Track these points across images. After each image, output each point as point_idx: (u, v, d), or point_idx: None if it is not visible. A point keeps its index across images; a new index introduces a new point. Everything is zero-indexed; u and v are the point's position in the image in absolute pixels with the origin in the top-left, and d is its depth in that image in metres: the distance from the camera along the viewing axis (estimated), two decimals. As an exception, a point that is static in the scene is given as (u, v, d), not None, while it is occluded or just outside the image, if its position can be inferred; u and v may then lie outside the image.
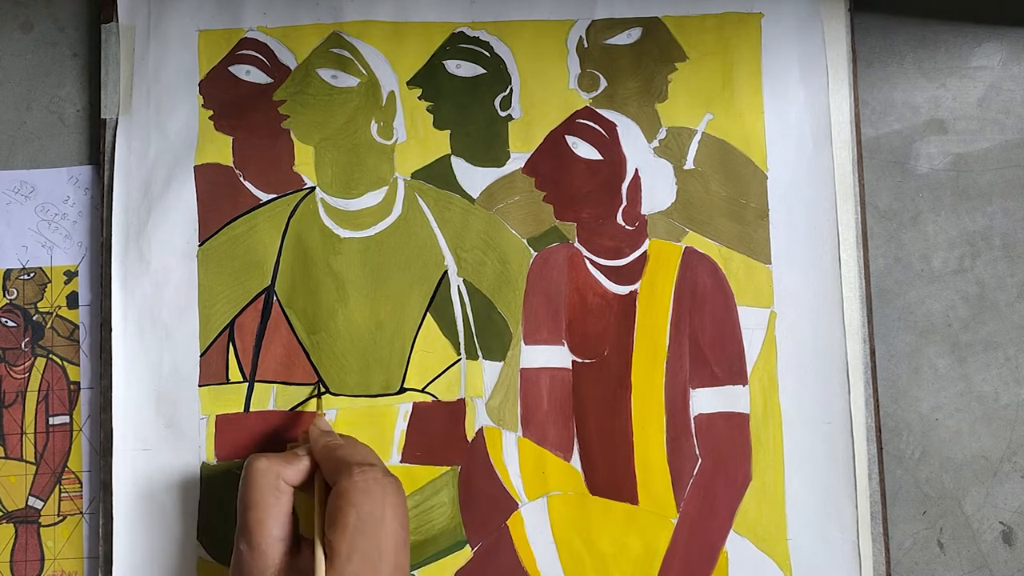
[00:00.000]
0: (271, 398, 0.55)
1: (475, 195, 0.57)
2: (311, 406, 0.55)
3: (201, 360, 0.55)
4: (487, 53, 0.58)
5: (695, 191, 0.57)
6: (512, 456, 0.55)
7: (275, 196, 0.57)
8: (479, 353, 0.56)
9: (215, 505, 0.54)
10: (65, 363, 0.57)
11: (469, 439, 0.55)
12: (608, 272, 0.56)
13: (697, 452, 0.55)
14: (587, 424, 0.55)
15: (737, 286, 0.56)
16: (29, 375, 0.57)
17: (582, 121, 0.57)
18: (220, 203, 0.57)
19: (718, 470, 0.55)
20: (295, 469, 0.48)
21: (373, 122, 0.57)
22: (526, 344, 0.56)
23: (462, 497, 0.55)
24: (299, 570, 0.46)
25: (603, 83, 0.58)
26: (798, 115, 0.57)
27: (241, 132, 0.57)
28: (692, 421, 0.55)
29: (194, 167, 0.57)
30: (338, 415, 0.55)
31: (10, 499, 0.56)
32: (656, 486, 0.55)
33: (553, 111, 0.57)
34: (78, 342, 0.57)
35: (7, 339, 0.57)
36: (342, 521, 0.45)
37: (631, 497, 0.55)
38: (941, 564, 0.56)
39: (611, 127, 0.57)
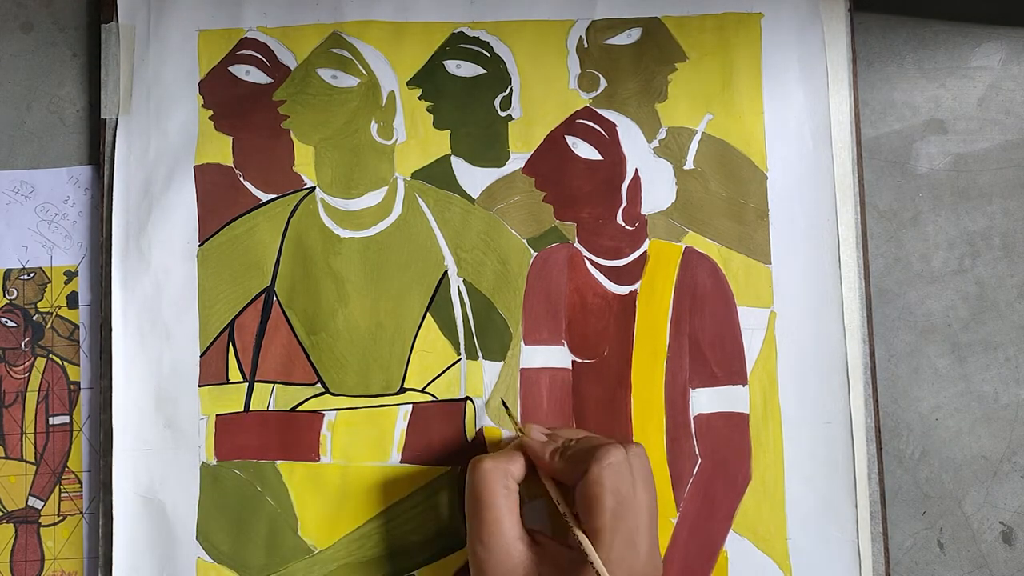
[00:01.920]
0: (270, 398, 0.55)
1: (475, 195, 0.57)
2: (506, 423, 0.55)
3: (201, 360, 0.55)
4: (487, 53, 0.58)
5: (695, 191, 0.57)
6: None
7: (275, 196, 0.57)
8: (479, 353, 0.56)
9: (215, 505, 0.54)
10: (65, 363, 0.57)
11: (469, 439, 0.55)
12: (608, 272, 0.56)
13: (697, 452, 0.55)
14: (587, 424, 0.55)
15: (737, 286, 0.56)
16: (29, 375, 0.57)
17: (582, 121, 0.57)
18: (220, 203, 0.57)
19: (718, 470, 0.55)
20: (519, 465, 0.49)
21: (373, 122, 0.57)
22: (526, 344, 0.56)
23: (462, 497, 0.55)
24: (553, 563, 0.46)
25: (603, 83, 0.58)
26: (798, 115, 0.57)
27: (241, 132, 0.57)
28: (692, 421, 0.55)
29: (194, 167, 0.57)
30: (338, 415, 0.55)
31: (10, 499, 0.56)
32: (656, 486, 0.55)
33: (553, 111, 0.57)
34: (78, 342, 0.57)
35: (7, 339, 0.57)
36: (600, 507, 0.45)
37: (631, 497, 0.55)
38: (941, 564, 0.56)
39: (611, 127, 0.57)
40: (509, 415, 0.54)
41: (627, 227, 0.57)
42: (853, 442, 0.55)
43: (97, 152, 0.58)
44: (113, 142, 0.57)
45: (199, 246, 0.56)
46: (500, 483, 0.47)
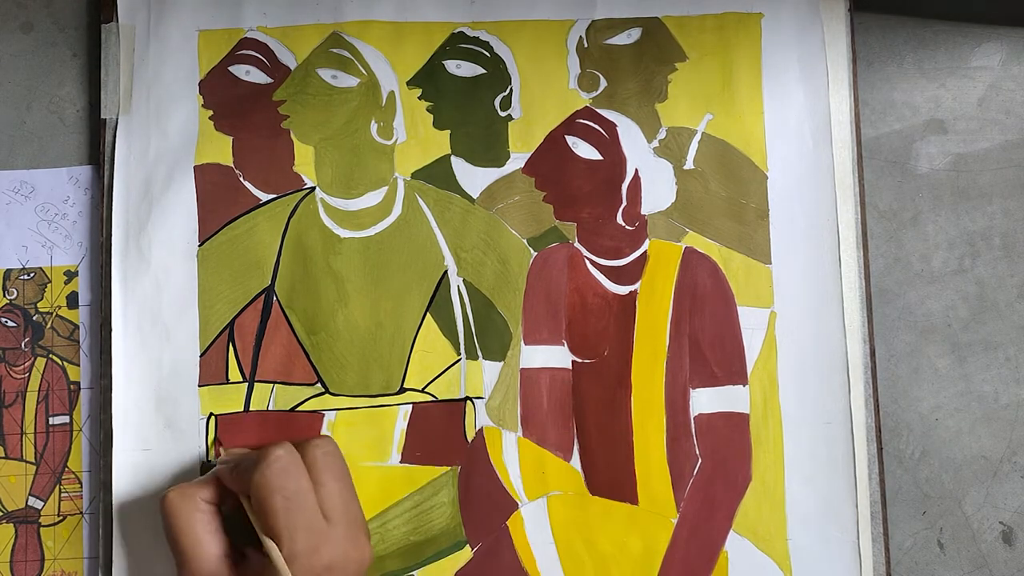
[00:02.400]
0: (270, 398, 0.55)
1: (475, 195, 0.57)
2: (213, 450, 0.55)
3: (201, 360, 0.55)
4: (487, 53, 0.58)
5: (695, 191, 0.57)
6: (512, 456, 0.55)
7: (275, 196, 0.57)
8: (479, 353, 0.56)
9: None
10: (65, 363, 0.57)
11: (469, 439, 0.55)
12: (608, 272, 0.56)
13: (697, 452, 0.55)
14: (587, 424, 0.55)
15: (737, 286, 0.56)
16: (29, 375, 0.57)
17: (582, 121, 0.57)
18: (220, 203, 0.57)
19: (718, 470, 0.55)
20: (209, 488, 0.49)
21: (373, 122, 0.57)
22: (526, 344, 0.56)
23: (462, 497, 0.55)
24: (255, 573, 0.46)
25: (603, 83, 0.58)
26: (798, 115, 0.57)
27: (241, 132, 0.57)
28: (692, 421, 0.55)
29: (194, 167, 0.57)
30: (338, 415, 0.55)
31: (10, 499, 0.56)
32: (656, 486, 0.55)
33: (553, 111, 0.57)
34: (78, 342, 0.57)
35: (7, 339, 0.57)
36: (269, 508, 0.45)
37: (631, 497, 0.55)
38: (941, 564, 0.56)
39: (611, 127, 0.57)
40: (218, 442, 0.54)
41: (627, 227, 0.57)
42: (853, 442, 0.55)
43: (97, 152, 0.58)
44: (113, 142, 0.57)
45: (199, 246, 0.56)
46: (190, 507, 0.47)
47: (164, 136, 0.57)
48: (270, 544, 0.45)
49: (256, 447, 0.51)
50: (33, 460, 0.56)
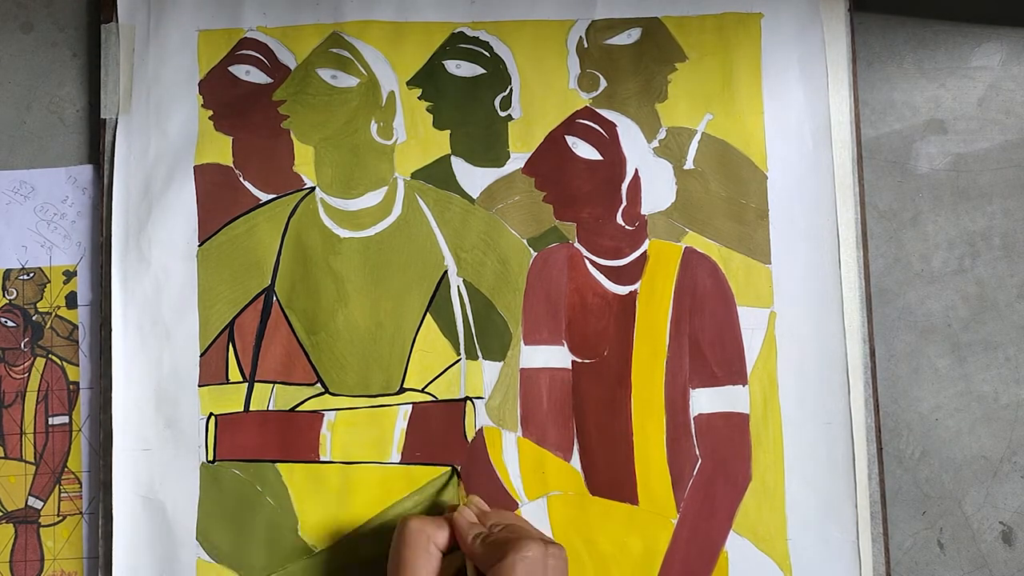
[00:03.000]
0: (270, 398, 0.55)
1: (475, 195, 0.57)
2: (448, 493, 0.55)
3: (201, 360, 0.55)
4: (487, 53, 0.58)
5: (695, 191, 0.57)
6: (512, 456, 0.55)
7: (275, 196, 0.57)
8: (479, 353, 0.56)
9: (214, 505, 0.54)
10: (65, 363, 0.57)
11: (469, 439, 0.55)
12: (608, 272, 0.56)
13: (697, 452, 0.55)
14: (587, 424, 0.55)
15: (737, 286, 0.56)
16: (29, 375, 0.57)
17: (582, 121, 0.57)
18: (220, 203, 0.57)
19: (718, 470, 0.55)
20: (443, 533, 0.49)
21: (373, 122, 0.57)
22: (526, 344, 0.56)
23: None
24: None
25: (603, 83, 0.58)
26: (798, 115, 0.57)
27: (241, 132, 0.57)
28: (692, 421, 0.55)
29: (194, 167, 0.57)
30: (338, 415, 0.55)
31: (10, 499, 0.56)
32: (656, 486, 0.55)
33: (553, 111, 0.57)
34: (77, 342, 0.57)
35: (7, 339, 0.57)
36: None
37: (631, 497, 0.55)
38: (941, 564, 0.56)
39: (611, 127, 0.57)
40: (459, 485, 0.54)
41: (627, 227, 0.57)
42: (853, 442, 0.55)
43: (97, 152, 0.58)
44: (113, 142, 0.57)
45: (199, 246, 0.56)
46: (423, 547, 0.48)
47: (164, 136, 0.57)
48: None
49: (503, 521, 0.51)
50: (33, 460, 0.56)
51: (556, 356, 0.56)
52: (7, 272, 0.57)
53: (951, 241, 0.58)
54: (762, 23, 0.58)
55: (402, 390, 0.56)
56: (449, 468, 0.55)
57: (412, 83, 0.58)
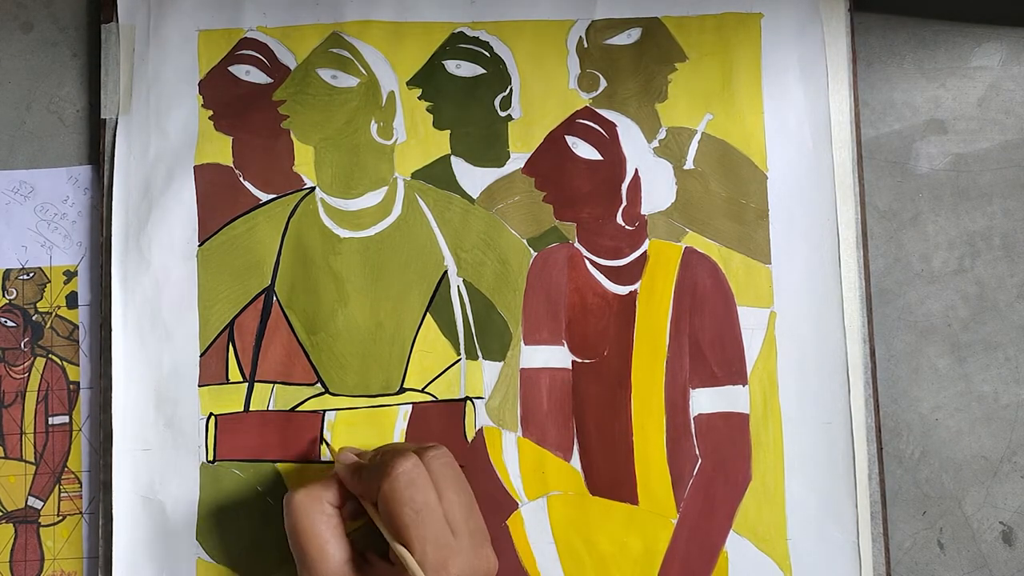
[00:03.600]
0: (270, 398, 0.55)
1: (475, 195, 0.57)
2: (325, 450, 0.55)
3: (201, 360, 0.55)
4: (487, 53, 0.58)
5: (695, 191, 0.57)
6: (512, 456, 0.55)
7: (275, 196, 0.57)
8: (479, 353, 0.56)
9: (215, 505, 0.54)
10: (65, 363, 0.57)
11: (469, 439, 0.55)
12: (608, 272, 0.56)
13: (697, 452, 0.55)
14: (587, 424, 0.55)
15: (737, 286, 0.56)
16: (28, 375, 0.57)
17: (582, 121, 0.57)
18: (220, 203, 0.57)
19: (718, 470, 0.55)
20: (333, 490, 0.48)
21: (373, 122, 0.57)
22: (526, 344, 0.56)
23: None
24: None
25: (603, 83, 0.58)
26: (798, 115, 0.57)
27: (241, 132, 0.57)
28: (692, 421, 0.55)
29: (194, 167, 0.57)
30: (338, 415, 0.55)
31: (10, 499, 0.56)
32: (656, 486, 0.55)
33: (553, 111, 0.57)
34: (77, 342, 0.57)
35: (7, 339, 0.57)
36: (400, 521, 0.45)
37: (631, 497, 0.55)
38: (941, 564, 0.56)
39: (611, 127, 0.57)
40: (324, 443, 0.54)
41: (627, 227, 0.57)
42: (853, 442, 0.55)
43: (97, 152, 0.58)
44: (113, 142, 0.57)
45: (199, 246, 0.56)
46: (316, 510, 0.47)
47: (164, 136, 0.57)
48: (405, 553, 0.45)
49: (373, 451, 0.50)
50: (33, 460, 0.56)
51: (556, 356, 0.56)
52: (7, 272, 0.57)
53: (951, 241, 0.58)
54: (762, 23, 0.58)
55: (402, 390, 0.56)
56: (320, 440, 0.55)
57: (412, 83, 0.58)
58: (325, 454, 0.55)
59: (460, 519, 0.46)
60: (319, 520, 0.47)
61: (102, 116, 0.57)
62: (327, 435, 0.55)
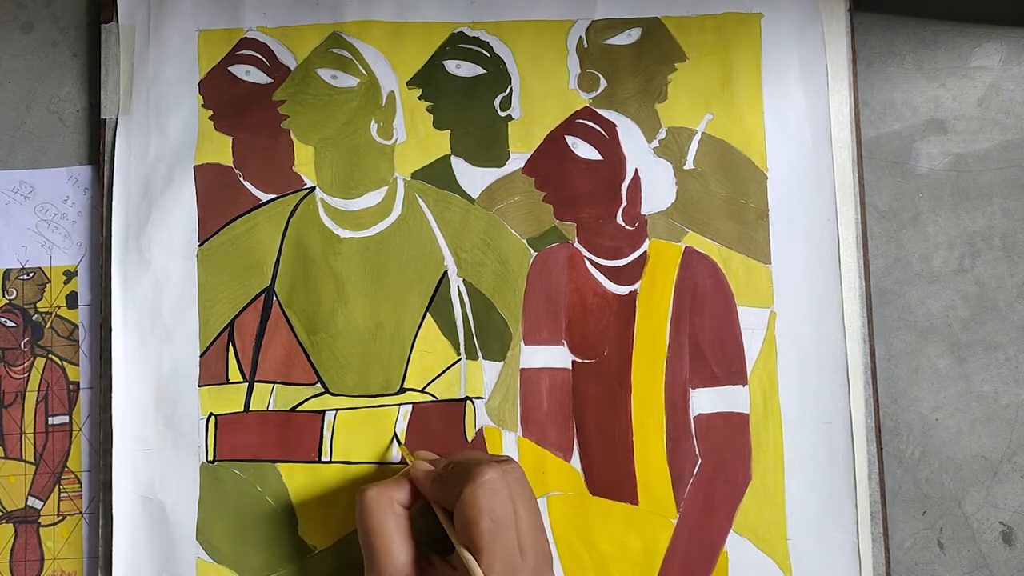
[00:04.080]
0: (270, 398, 0.55)
1: (475, 195, 0.57)
2: (394, 456, 0.55)
3: (201, 360, 0.55)
4: (487, 53, 0.58)
5: (695, 191, 0.57)
6: (512, 456, 0.55)
7: (275, 196, 0.57)
8: (479, 353, 0.56)
9: (215, 505, 0.54)
10: (65, 363, 0.57)
11: (469, 439, 0.55)
12: (608, 272, 0.56)
13: (697, 452, 0.55)
14: (587, 424, 0.55)
15: (737, 286, 0.56)
16: (28, 375, 0.57)
17: (582, 121, 0.57)
18: (220, 203, 0.57)
19: (718, 470, 0.55)
20: (404, 490, 0.49)
21: (373, 122, 0.57)
22: (526, 344, 0.56)
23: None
24: None
25: (603, 83, 0.58)
26: (798, 115, 0.57)
27: (241, 132, 0.57)
28: (692, 421, 0.55)
29: (194, 167, 0.57)
30: (338, 415, 0.55)
31: (9, 499, 0.56)
32: (656, 486, 0.55)
33: (553, 111, 0.57)
34: (77, 342, 0.57)
35: (6, 339, 0.57)
36: (476, 528, 0.45)
37: (631, 497, 0.55)
38: (941, 564, 0.56)
39: (611, 127, 0.57)
40: (400, 445, 0.54)
41: (627, 227, 0.57)
42: (853, 442, 0.55)
43: (97, 152, 0.58)
44: (113, 142, 0.57)
45: (199, 246, 0.56)
46: (386, 509, 0.48)
47: (164, 136, 0.57)
48: (471, 560, 0.45)
49: (455, 459, 0.51)
50: (32, 460, 0.56)
51: (556, 356, 0.56)
52: (7, 272, 0.57)
53: (951, 241, 0.58)
54: (762, 23, 0.58)
55: (402, 390, 0.56)
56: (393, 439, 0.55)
57: (412, 83, 0.58)
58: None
59: (529, 538, 0.46)
60: (388, 519, 0.47)
61: (102, 116, 0.57)
62: (400, 436, 0.55)
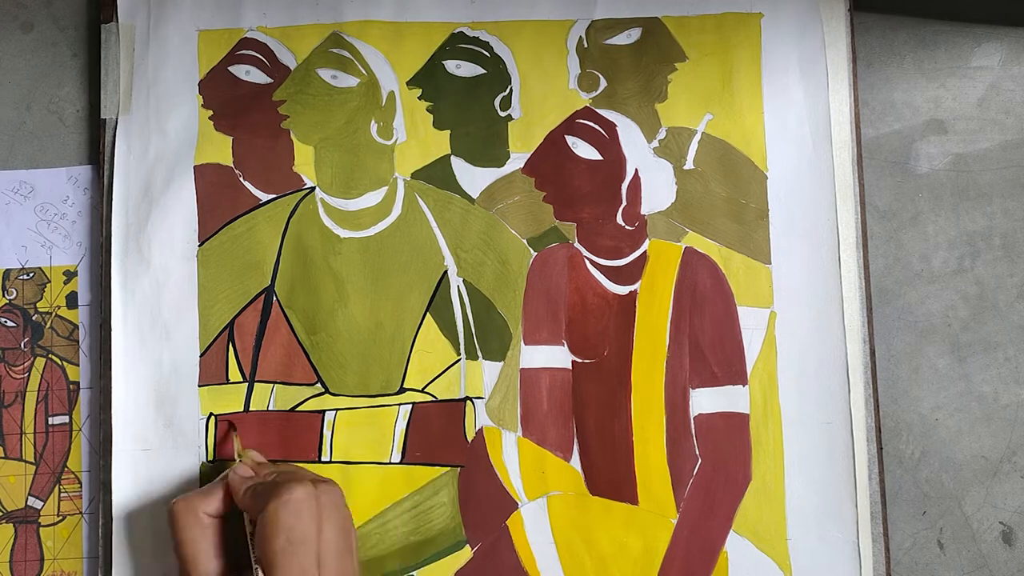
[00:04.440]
0: (270, 398, 0.55)
1: (475, 195, 0.57)
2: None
3: (201, 360, 0.55)
4: (487, 53, 0.58)
5: (695, 191, 0.57)
6: (512, 456, 0.55)
7: (275, 196, 0.57)
8: (479, 353, 0.56)
9: (215, 505, 0.54)
10: (65, 363, 0.57)
11: (469, 439, 0.55)
12: (608, 272, 0.56)
13: (697, 452, 0.55)
14: (587, 424, 0.55)
15: (737, 286, 0.56)
16: (28, 375, 0.57)
17: (582, 121, 0.57)
18: (220, 203, 0.57)
19: (718, 470, 0.55)
20: (212, 500, 0.49)
21: (373, 122, 0.57)
22: (526, 344, 0.56)
23: (462, 497, 0.55)
24: None
25: (603, 83, 0.58)
26: (798, 115, 0.57)
27: (241, 132, 0.57)
28: (692, 421, 0.55)
29: (194, 167, 0.57)
30: (338, 415, 0.55)
31: (9, 499, 0.56)
32: (656, 486, 0.55)
33: (553, 111, 0.57)
34: (77, 342, 0.57)
35: (6, 339, 0.57)
36: (272, 547, 0.45)
37: (631, 497, 0.55)
38: (941, 564, 0.56)
39: (611, 127, 0.57)
40: (235, 440, 0.54)
41: (627, 227, 0.57)
42: (853, 442, 0.55)
43: (97, 152, 0.58)
44: (113, 142, 0.57)
45: (199, 246, 0.56)
46: (193, 521, 0.48)
47: (164, 136, 0.57)
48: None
49: (278, 470, 0.51)
50: (33, 460, 0.56)
51: (556, 356, 0.56)
52: (7, 272, 0.57)
53: (951, 241, 0.58)
54: (762, 23, 0.58)
55: (402, 390, 0.56)
56: (227, 425, 0.54)
57: (412, 83, 0.58)
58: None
59: (332, 561, 0.46)
60: (195, 530, 0.48)
61: (102, 116, 0.57)
62: (235, 431, 0.54)
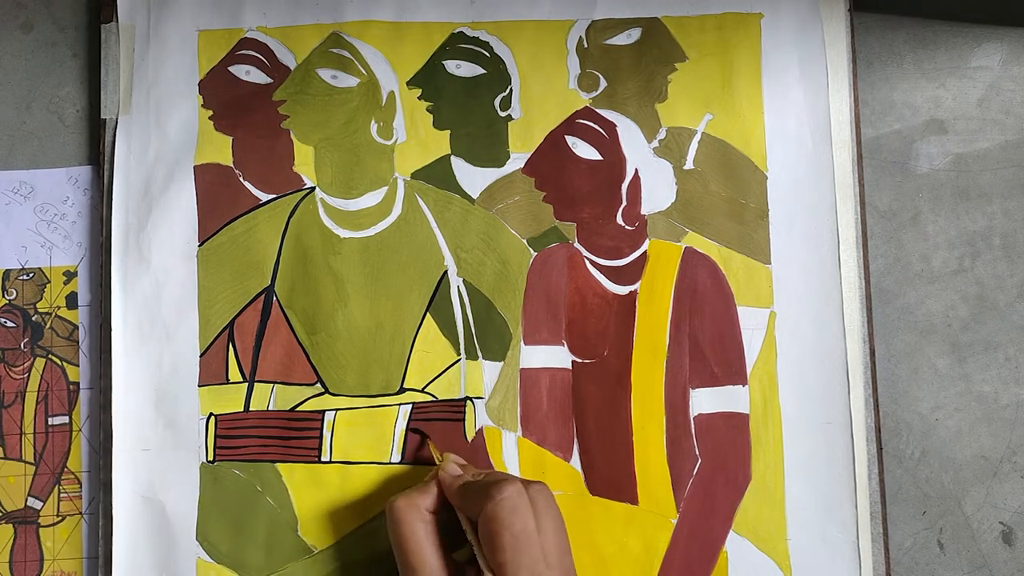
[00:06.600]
0: (270, 398, 0.55)
1: (475, 195, 0.57)
2: (428, 451, 0.55)
3: (201, 360, 0.55)
4: (487, 53, 0.58)
5: (695, 191, 0.57)
6: (512, 456, 0.55)
7: (275, 196, 0.57)
8: (479, 353, 0.56)
9: (214, 505, 0.54)
10: (64, 363, 0.57)
11: (469, 439, 0.55)
12: (608, 272, 0.56)
13: (697, 452, 0.55)
14: (587, 424, 0.55)
15: (737, 286, 0.56)
16: (28, 375, 0.57)
17: (582, 121, 0.57)
18: (220, 203, 0.57)
19: (718, 470, 0.55)
20: (429, 496, 0.50)
21: (373, 122, 0.57)
22: (526, 344, 0.56)
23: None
24: None
25: (603, 83, 0.58)
26: (798, 115, 0.57)
27: (241, 132, 0.57)
28: (692, 421, 0.55)
29: (194, 167, 0.57)
30: (338, 415, 0.55)
31: (9, 499, 0.56)
32: (656, 486, 0.55)
33: (553, 111, 0.57)
34: (77, 342, 0.57)
35: (6, 339, 0.57)
36: (498, 543, 0.46)
37: (631, 497, 0.55)
38: (941, 564, 0.56)
39: (611, 127, 0.57)
40: (431, 446, 0.54)
41: (627, 227, 0.57)
42: (853, 442, 0.55)
43: (97, 152, 0.58)
44: (113, 142, 0.57)
45: (199, 246, 0.56)
46: (415, 518, 0.48)
47: (164, 136, 0.57)
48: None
49: (486, 471, 0.51)
50: (32, 460, 0.56)
51: (556, 356, 0.56)
52: (7, 272, 0.57)
53: (951, 241, 0.58)
54: (762, 23, 0.58)
55: (402, 390, 0.56)
56: (419, 436, 0.55)
57: (412, 83, 0.58)
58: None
59: (556, 555, 0.47)
60: (417, 527, 0.48)
61: (102, 116, 0.57)
62: (430, 440, 0.54)
